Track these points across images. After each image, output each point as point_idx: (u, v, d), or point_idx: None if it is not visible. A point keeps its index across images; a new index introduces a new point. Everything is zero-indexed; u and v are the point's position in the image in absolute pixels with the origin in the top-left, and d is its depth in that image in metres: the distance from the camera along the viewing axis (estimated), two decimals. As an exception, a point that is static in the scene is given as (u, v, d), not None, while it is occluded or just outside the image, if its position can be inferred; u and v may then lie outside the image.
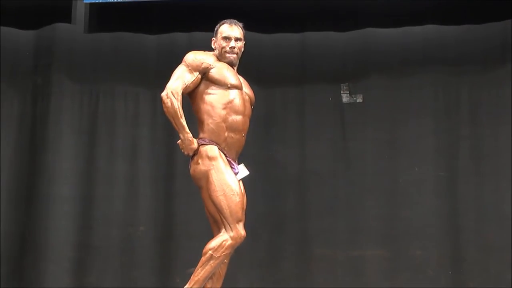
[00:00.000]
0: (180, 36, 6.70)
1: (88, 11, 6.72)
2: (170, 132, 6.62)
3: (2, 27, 6.74)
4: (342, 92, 6.58)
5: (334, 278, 6.39)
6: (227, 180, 4.61)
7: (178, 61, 6.64)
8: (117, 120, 6.69)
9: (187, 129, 4.62)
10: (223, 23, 4.86)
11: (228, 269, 6.42)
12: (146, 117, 6.69)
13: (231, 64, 4.82)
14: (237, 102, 4.71)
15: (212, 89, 4.71)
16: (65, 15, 6.72)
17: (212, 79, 4.71)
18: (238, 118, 4.71)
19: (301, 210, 6.48)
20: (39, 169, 6.60)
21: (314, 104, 6.57)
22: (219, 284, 4.80)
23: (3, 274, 6.47)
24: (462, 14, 6.47)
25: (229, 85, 4.70)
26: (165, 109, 4.65)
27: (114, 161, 6.63)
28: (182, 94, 4.68)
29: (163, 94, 4.65)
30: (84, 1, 6.67)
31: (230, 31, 4.80)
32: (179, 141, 4.68)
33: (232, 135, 4.70)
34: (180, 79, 4.68)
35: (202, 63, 4.71)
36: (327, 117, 6.56)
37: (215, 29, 4.88)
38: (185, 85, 4.67)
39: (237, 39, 4.80)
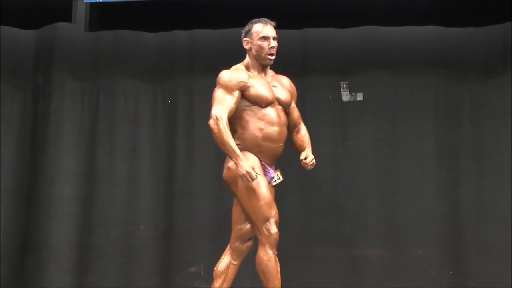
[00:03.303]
0: (180, 34, 6.71)
1: (88, 10, 6.75)
2: (171, 130, 6.66)
3: (2, 27, 6.75)
4: (342, 90, 6.57)
5: (335, 277, 6.38)
6: (257, 183, 4.61)
7: (178, 58, 6.74)
8: (118, 119, 6.68)
9: (238, 152, 4.55)
10: (256, 23, 4.79)
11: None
12: (146, 116, 6.69)
13: (269, 64, 4.80)
14: (272, 115, 4.72)
15: (247, 106, 4.70)
16: (66, 15, 6.74)
17: (247, 98, 4.69)
18: (273, 129, 4.71)
19: (302, 209, 6.47)
20: (40, 169, 6.60)
21: (314, 102, 6.56)
22: (227, 285, 4.84)
23: (3, 274, 6.46)
24: (463, 16, 6.49)
25: (264, 105, 4.69)
26: (214, 136, 4.60)
27: (114, 160, 6.62)
28: (228, 117, 4.63)
29: (210, 121, 4.60)
30: (85, 1, 6.69)
31: (268, 31, 4.75)
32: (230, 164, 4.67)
33: (269, 144, 4.71)
34: (223, 103, 4.62)
35: (239, 82, 4.68)
36: (327, 115, 6.55)
37: (247, 29, 4.81)
38: (229, 108, 4.62)
39: (274, 38, 4.76)
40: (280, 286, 4.70)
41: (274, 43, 4.74)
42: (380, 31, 6.52)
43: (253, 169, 4.52)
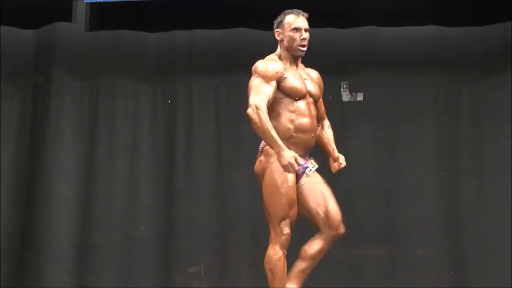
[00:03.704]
0: (180, 34, 6.72)
1: (88, 10, 6.75)
2: (171, 130, 6.66)
3: (2, 27, 6.75)
4: (342, 90, 6.58)
5: (334, 277, 6.38)
6: (276, 179, 4.55)
7: (178, 58, 6.74)
8: (117, 119, 6.69)
9: (279, 142, 4.40)
10: (288, 14, 4.71)
11: (228, 268, 6.48)
12: (146, 116, 6.70)
13: (300, 56, 4.73)
14: (303, 107, 4.64)
15: (280, 98, 4.60)
16: (66, 15, 6.74)
17: (282, 89, 4.60)
18: (304, 120, 4.62)
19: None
20: (39, 168, 6.60)
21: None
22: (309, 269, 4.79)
23: (3, 273, 6.46)
24: (462, 16, 6.49)
25: (297, 98, 4.62)
26: (253, 126, 4.47)
27: (114, 160, 6.63)
28: (266, 107, 4.50)
29: (249, 110, 4.47)
30: (85, 1, 6.69)
31: (300, 22, 4.66)
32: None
33: (301, 135, 4.62)
34: (261, 93, 4.51)
35: (277, 72, 4.58)
36: (327, 115, 6.53)
37: (279, 20, 4.73)
38: (267, 98, 4.51)
39: (306, 30, 4.68)
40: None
41: (306, 35, 4.66)
42: (380, 31, 6.53)
43: (296, 159, 4.39)
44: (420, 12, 6.58)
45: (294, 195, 4.58)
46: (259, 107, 4.45)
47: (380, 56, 6.53)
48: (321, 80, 4.93)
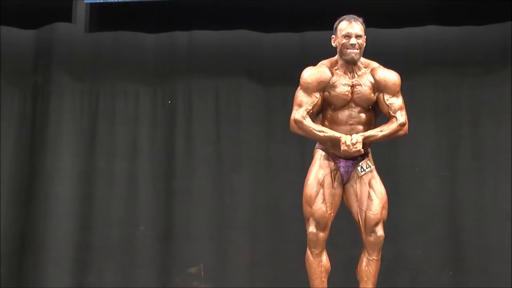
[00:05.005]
0: (180, 35, 6.72)
1: (88, 10, 6.76)
2: (170, 131, 6.67)
3: (2, 27, 6.77)
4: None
5: (334, 277, 6.34)
6: (307, 181, 4.62)
7: (178, 59, 6.74)
8: (117, 120, 6.70)
9: (335, 134, 4.46)
10: (341, 20, 4.69)
11: (228, 268, 6.49)
12: (146, 116, 6.70)
13: (352, 61, 4.63)
14: (340, 116, 4.59)
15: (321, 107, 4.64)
16: (66, 15, 6.75)
17: (325, 98, 4.60)
18: (340, 128, 4.55)
19: (301, 209, 6.45)
20: (39, 169, 6.61)
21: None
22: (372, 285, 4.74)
23: (2, 273, 6.47)
24: (463, 15, 6.48)
25: (333, 107, 4.59)
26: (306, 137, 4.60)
27: (114, 161, 6.64)
28: (310, 115, 4.54)
29: (291, 128, 4.60)
30: (85, 1, 6.70)
31: (350, 29, 4.63)
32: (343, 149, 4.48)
33: (336, 144, 4.53)
34: (300, 105, 4.56)
35: (319, 82, 4.58)
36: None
37: (334, 26, 4.71)
38: (308, 109, 4.54)
39: (357, 36, 4.63)
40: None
41: (354, 41, 4.60)
42: (379, 33, 6.51)
43: (345, 144, 4.38)
44: (420, 12, 6.58)
45: (312, 194, 4.58)
46: (297, 120, 4.53)
47: (380, 57, 6.49)
48: (389, 80, 4.69)
